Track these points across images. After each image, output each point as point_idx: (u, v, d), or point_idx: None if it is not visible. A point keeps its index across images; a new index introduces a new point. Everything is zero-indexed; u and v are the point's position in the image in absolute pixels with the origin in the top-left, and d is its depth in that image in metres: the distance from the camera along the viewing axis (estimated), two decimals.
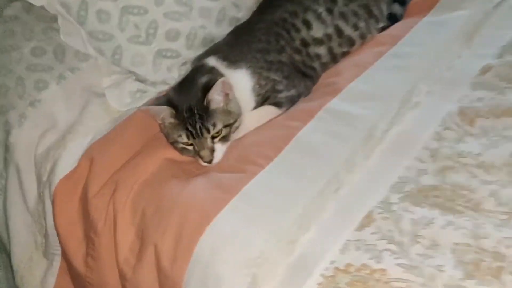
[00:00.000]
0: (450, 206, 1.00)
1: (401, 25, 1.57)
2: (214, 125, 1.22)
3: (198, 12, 1.50)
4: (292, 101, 1.36)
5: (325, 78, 1.43)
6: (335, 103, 1.30)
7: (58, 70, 1.46)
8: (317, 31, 1.46)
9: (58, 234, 1.32)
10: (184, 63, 1.51)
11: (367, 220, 1.02)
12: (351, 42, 1.50)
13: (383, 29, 1.56)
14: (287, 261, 0.99)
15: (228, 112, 1.25)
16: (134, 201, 1.19)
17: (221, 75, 1.26)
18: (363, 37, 1.52)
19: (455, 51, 1.39)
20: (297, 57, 1.43)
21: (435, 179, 1.07)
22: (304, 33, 1.45)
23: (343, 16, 1.50)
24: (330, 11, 1.48)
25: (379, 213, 1.02)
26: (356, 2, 1.53)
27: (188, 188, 1.15)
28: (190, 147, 1.24)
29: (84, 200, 1.28)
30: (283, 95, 1.35)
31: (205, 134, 1.22)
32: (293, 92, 1.37)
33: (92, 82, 1.49)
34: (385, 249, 0.96)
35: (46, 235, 1.39)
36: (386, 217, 1.01)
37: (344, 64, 1.45)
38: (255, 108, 1.35)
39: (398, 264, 0.92)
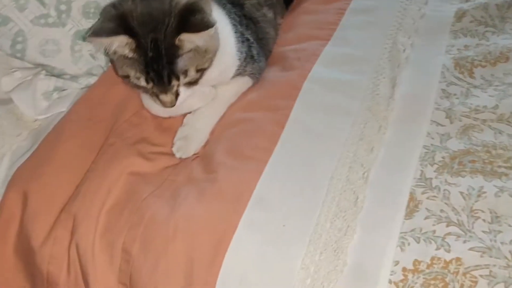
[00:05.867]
0: (492, 170, 0.90)
1: None
2: (186, 72, 0.93)
3: None
4: (261, 73, 1.14)
5: (287, 44, 1.22)
6: (317, 70, 1.11)
7: None
8: None
9: None
10: None
11: (413, 204, 0.87)
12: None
13: None
14: (342, 274, 0.80)
15: (204, 52, 0.94)
16: (107, 238, 0.88)
17: None
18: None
19: None
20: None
21: (462, 142, 0.95)
22: None
23: None
24: None
25: (422, 193, 0.88)
26: None
27: (181, 206, 0.87)
28: (148, 86, 0.94)
29: (26, 252, 0.92)
30: (255, 65, 1.10)
31: (173, 82, 0.93)
32: (263, 61, 1.14)
33: None
34: (448, 234, 0.82)
35: None
36: (433, 196, 0.87)
37: (304, 28, 1.25)
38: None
39: (471, 249, 0.79)
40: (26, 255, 0.92)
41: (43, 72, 1.12)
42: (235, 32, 1.06)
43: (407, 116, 1.01)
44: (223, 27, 1.02)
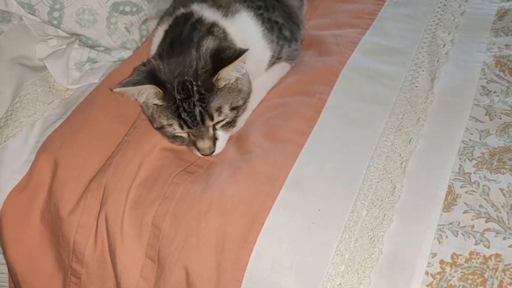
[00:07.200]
0: None
1: None
2: (220, 110, 0.90)
3: None
4: (298, 54, 1.11)
5: (324, 28, 1.20)
6: (355, 58, 1.09)
7: None
8: None
9: (13, 272, 0.94)
10: (145, 21, 1.17)
11: (451, 197, 0.85)
12: None
13: None
14: (378, 263, 0.78)
15: (237, 90, 0.92)
16: (137, 211, 0.87)
17: (223, 31, 0.97)
18: None
19: None
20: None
21: (502, 139, 0.93)
22: None
23: None
24: None
25: (461, 187, 0.86)
26: None
27: (215, 184, 0.86)
28: (184, 135, 0.92)
29: (53, 219, 0.91)
30: (291, 48, 1.08)
31: (208, 122, 0.89)
32: (298, 40, 1.11)
33: (21, 51, 1.07)
34: (487, 229, 0.80)
35: None
36: (471, 190, 0.85)
37: (342, 15, 1.23)
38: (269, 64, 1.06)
39: (511, 246, 0.78)
40: (53, 222, 0.91)
41: (77, 42, 1.11)
42: (263, 23, 1.04)
43: (446, 110, 0.99)
44: (251, 30, 1.01)
